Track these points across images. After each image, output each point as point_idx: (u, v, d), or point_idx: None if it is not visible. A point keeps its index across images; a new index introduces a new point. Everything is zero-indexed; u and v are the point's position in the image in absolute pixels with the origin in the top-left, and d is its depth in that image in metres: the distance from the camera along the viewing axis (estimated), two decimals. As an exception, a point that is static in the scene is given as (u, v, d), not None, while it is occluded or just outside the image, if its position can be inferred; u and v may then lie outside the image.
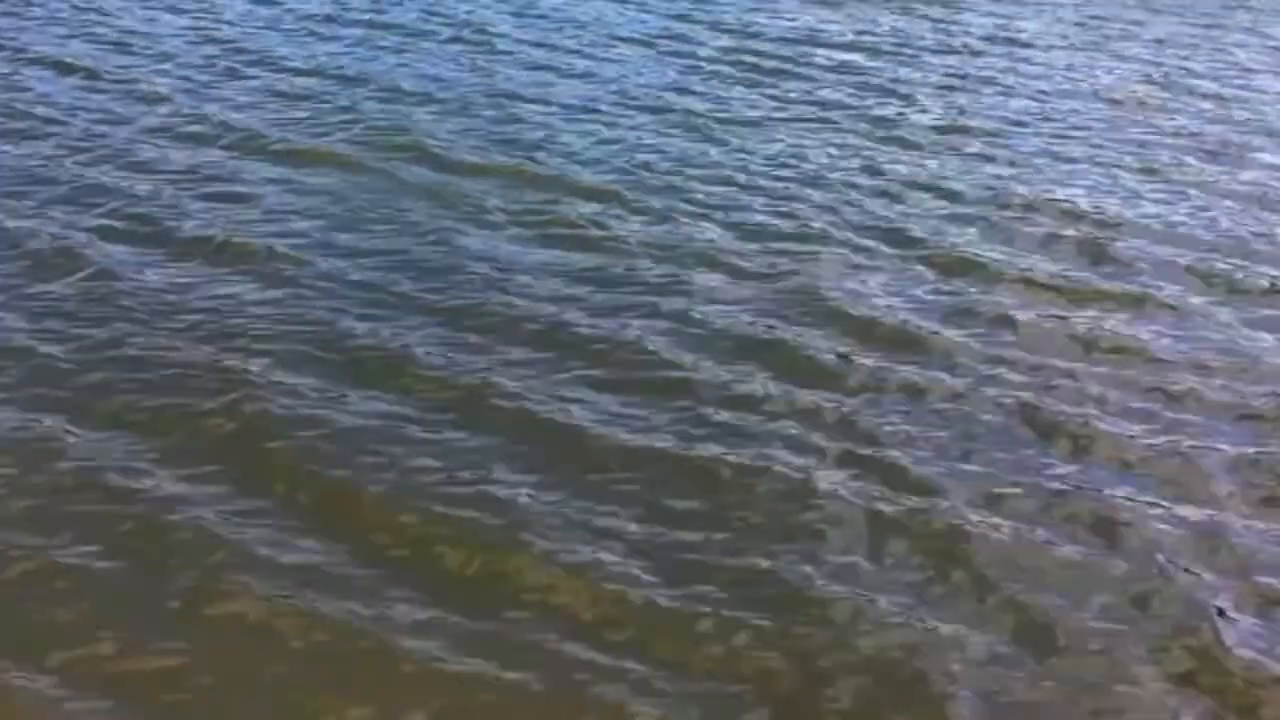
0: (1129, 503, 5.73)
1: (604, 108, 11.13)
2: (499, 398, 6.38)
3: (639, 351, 6.89)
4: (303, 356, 6.69)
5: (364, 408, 6.24)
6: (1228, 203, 9.76)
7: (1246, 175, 10.42)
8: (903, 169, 10.06)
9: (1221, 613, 5.07)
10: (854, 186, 9.62)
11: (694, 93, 11.78)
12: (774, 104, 11.61)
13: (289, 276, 7.57)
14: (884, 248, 8.46)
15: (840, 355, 6.98)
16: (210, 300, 7.26)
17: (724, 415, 6.33)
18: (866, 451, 6.09)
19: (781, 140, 10.61)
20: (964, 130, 11.17)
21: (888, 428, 6.29)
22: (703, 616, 4.94)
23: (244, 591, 5.00)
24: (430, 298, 7.42)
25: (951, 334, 7.32)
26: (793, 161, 10.11)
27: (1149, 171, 10.37)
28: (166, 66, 11.60)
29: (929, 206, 9.30)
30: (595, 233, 8.45)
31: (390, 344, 6.84)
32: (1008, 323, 7.48)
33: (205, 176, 9.02)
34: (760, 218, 8.88)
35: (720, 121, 10.98)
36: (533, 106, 10.98)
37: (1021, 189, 9.73)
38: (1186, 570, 5.31)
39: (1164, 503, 5.74)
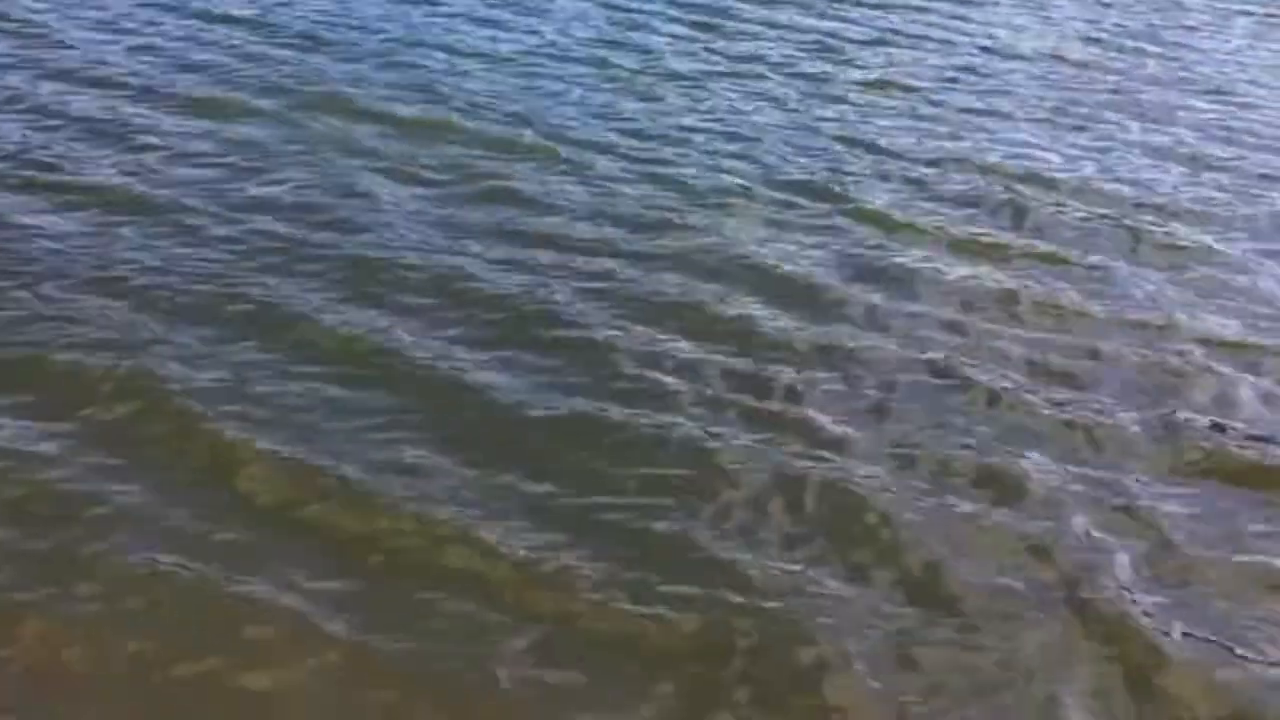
0: (1036, 463, 5.62)
1: (531, 61, 10.84)
2: (399, 355, 6.17)
3: (547, 309, 6.69)
4: (195, 309, 6.44)
5: (256, 361, 6.01)
6: (1160, 162, 9.67)
7: (1180, 135, 10.33)
8: (832, 125, 9.88)
9: (1120, 573, 4.98)
10: (781, 143, 9.43)
11: (624, 47, 11.50)
12: (705, 59, 11.36)
13: (188, 227, 7.29)
14: (807, 204, 8.30)
15: (755, 313, 6.82)
16: (104, 250, 6.97)
17: (632, 373, 6.17)
18: (776, 409, 5.96)
19: (711, 96, 10.39)
20: (896, 86, 10.98)
21: (799, 386, 6.15)
22: (596, 576, 4.79)
23: (120, 549, 4.79)
24: (335, 252, 7.16)
25: (869, 292, 7.17)
26: (720, 117, 9.91)
27: (1080, 130, 10.27)
28: (70, 11, 11.13)
29: (856, 163, 9.13)
30: (512, 187, 8.21)
31: (289, 298, 6.59)
32: (926, 281, 7.35)
33: (106, 124, 8.66)
34: (682, 173, 8.67)
35: (650, 76, 10.74)
36: (457, 59, 10.67)
37: (949, 146, 9.60)
38: (1088, 531, 5.21)
39: (1071, 465, 5.64)
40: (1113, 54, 12.54)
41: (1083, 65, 12.20)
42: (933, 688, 4.42)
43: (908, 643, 4.59)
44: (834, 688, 4.38)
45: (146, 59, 10.00)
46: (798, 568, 4.92)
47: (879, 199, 8.48)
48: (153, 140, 8.43)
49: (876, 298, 7.11)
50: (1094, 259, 7.78)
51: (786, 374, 6.23)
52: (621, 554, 4.93)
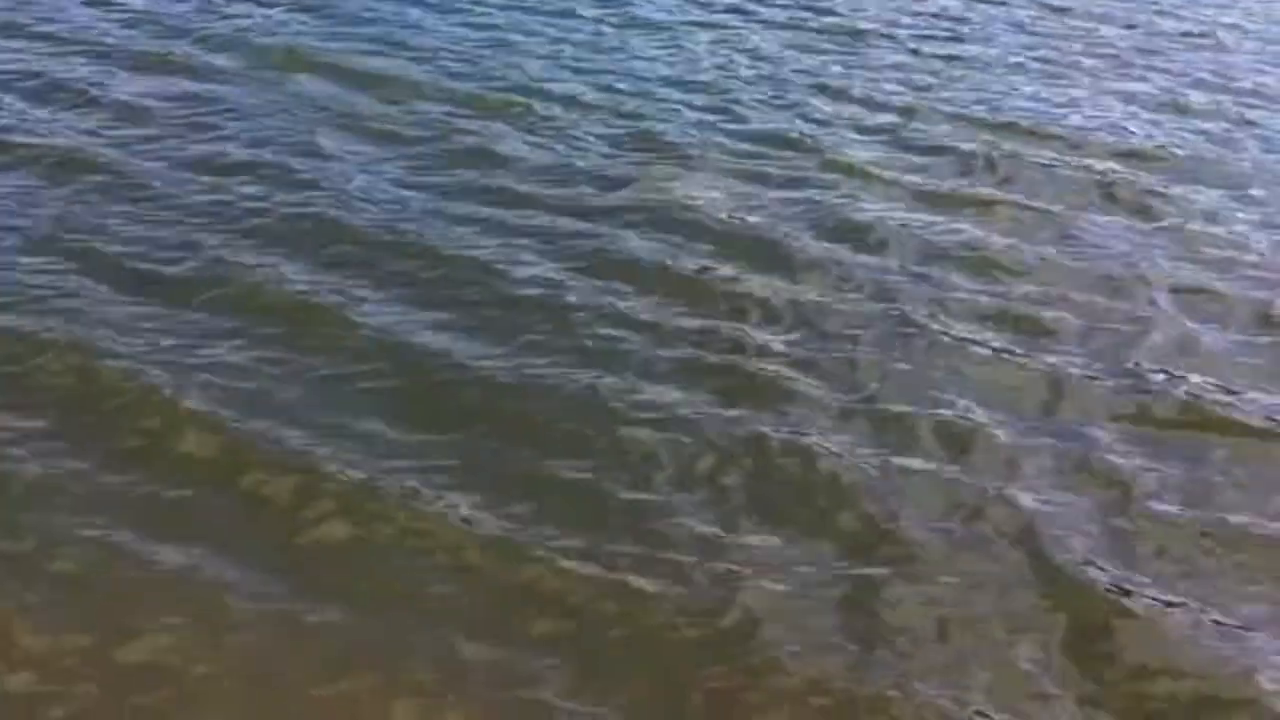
0: (996, 416, 5.49)
1: (497, 11, 10.60)
2: (352, 318, 6.00)
3: (507, 269, 6.51)
4: (139, 272, 6.29)
5: (200, 325, 5.87)
6: (1137, 110, 9.47)
7: (1158, 83, 10.13)
8: (805, 75, 9.67)
9: (1076, 526, 4.88)
10: (753, 93, 9.23)
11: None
12: (677, 8, 11.11)
13: (135, 186, 7.13)
14: (776, 156, 8.12)
15: (718, 269, 6.66)
16: (45, 211, 6.84)
17: (590, 333, 6.02)
18: (736, 366, 5.82)
19: (682, 46, 10.18)
20: (874, 35, 10.76)
21: (760, 342, 6.01)
22: (547, 539, 4.67)
23: (56, 516, 4.69)
24: (288, 211, 6.99)
25: (835, 245, 7.01)
26: (691, 68, 9.71)
27: (1058, 78, 10.07)
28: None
29: (828, 114, 8.92)
30: (474, 143, 8.03)
31: (238, 260, 6.42)
32: (893, 233, 7.18)
33: (54, 81, 8.47)
34: (650, 127, 8.47)
35: (619, 26, 10.51)
36: (420, 11, 10.42)
37: (924, 96, 9.38)
38: (1047, 483, 5.10)
39: (1032, 417, 5.54)
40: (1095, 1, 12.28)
41: (1064, 11, 11.96)
42: (886, 642, 4.32)
43: (861, 597, 4.49)
44: (786, 644, 4.28)
45: (96, 13, 9.77)
46: (752, 524, 4.81)
47: (849, 150, 8.30)
48: (101, 97, 8.25)
49: (842, 251, 6.95)
50: (1062, 208, 7.61)
51: (747, 330, 6.09)
52: (575, 515, 4.81)
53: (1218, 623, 4.49)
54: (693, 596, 4.45)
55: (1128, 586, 4.61)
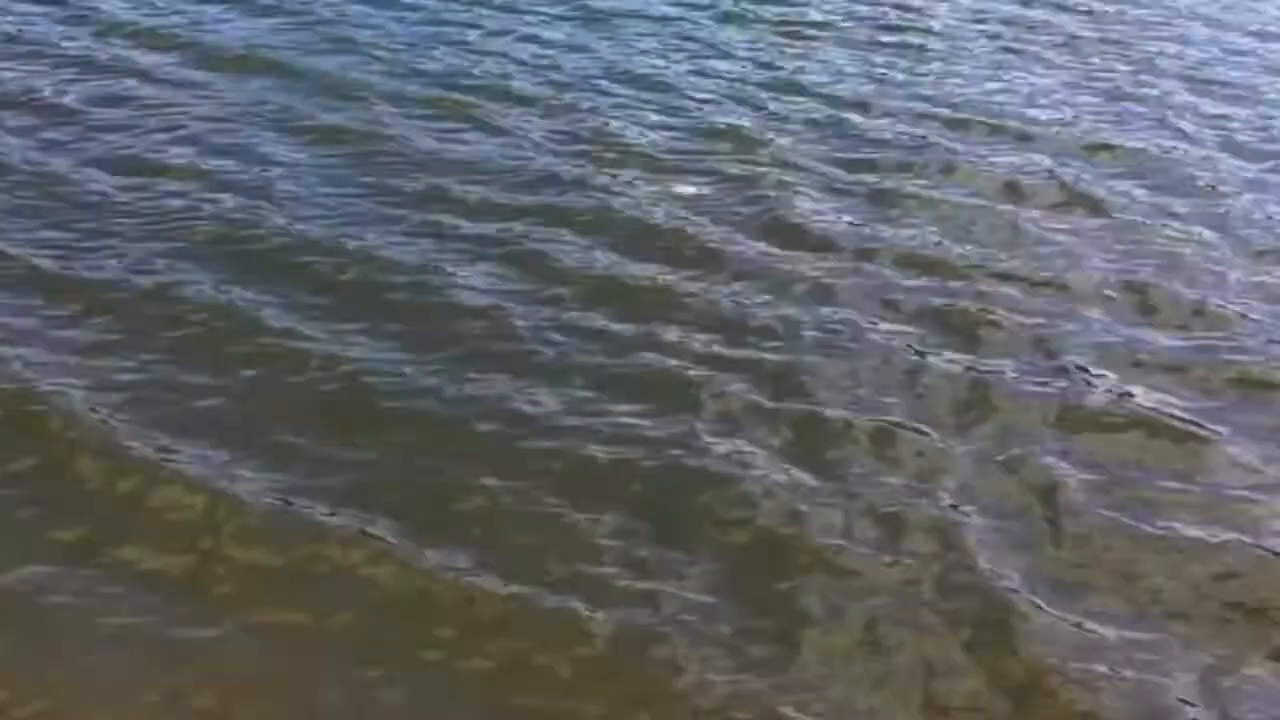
0: (919, 416, 5.44)
1: (438, 6, 10.41)
2: (267, 326, 5.82)
3: (425, 271, 6.36)
4: (41, 280, 6.09)
5: (103, 340, 5.67)
6: (1086, 100, 9.41)
7: (1111, 75, 10.03)
8: (746, 68, 9.58)
9: (991, 524, 4.83)
10: (691, 87, 9.10)
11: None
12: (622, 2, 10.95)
13: (41, 191, 6.92)
14: (711, 150, 7.98)
15: (640, 269, 6.52)
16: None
17: (516, 340, 5.86)
18: (663, 373, 5.67)
19: (627, 41, 10.03)
20: (826, 27, 10.66)
21: (673, 342, 5.87)
22: (450, 555, 4.55)
23: None
24: (206, 214, 6.81)
25: (769, 246, 6.89)
26: (635, 64, 9.55)
27: (1004, 69, 9.99)
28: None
29: (772, 110, 8.79)
30: (409, 144, 7.84)
31: (148, 268, 6.25)
32: (828, 233, 7.07)
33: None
34: (590, 126, 8.31)
35: (563, 21, 10.36)
36: (360, 6, 10.21)
37: (872, 90, 9.31)
38: (951, 487, 5.02)
39: (940, 417, 5.45)
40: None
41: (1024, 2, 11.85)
42: (794, 649, 4.26)
43: (773, 602, 4.43)
44: (693, 652, 4.22)
45: (20, 9, 9.57)
46: (664, 532, 4.72)
47: (792, 146, 8.20)
48: (19, 99, 8.03)
49: (777, 249, 6.85)
50: (1001, 203, 7.54)
51: (676, 332, 5.96)
52: (487, 529, 4.71)
53: (1136, 623, 4.44)
54: (607, 608, 4.35)
55: (1041, 589, 4.54)
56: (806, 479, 4.99)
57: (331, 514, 4.71)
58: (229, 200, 6.97)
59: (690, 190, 7.52)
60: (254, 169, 7.38)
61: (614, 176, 7.57)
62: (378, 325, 5.92)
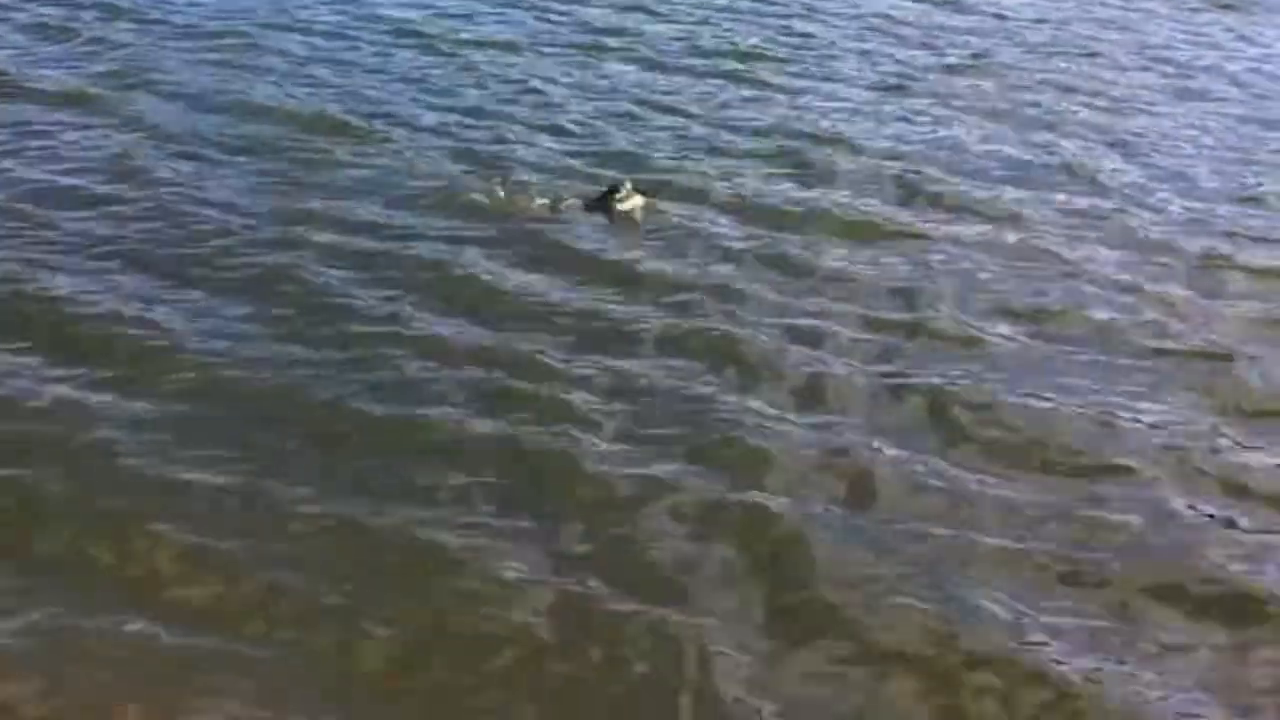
0: (758, 415, 5.61)
1: (344, 30, 10.57)
2: (147, 342, 5.96)
3: (318, 293, 6.49)
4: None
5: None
6: (975, 120, 9.71)
7: (1019, 93, 10.38)
8: (638, 93, 9.75)
9: (819, 531, 4.97)
10: (590, 111, 9.31)
11: (444, 13, 11.24)
12: (530, 26, 11.16)
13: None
14: (595, 172, 8.15)
15: (535, 291, 6.68)
16: None
17: (397, 360, 5.96)
18: (527, 388, 5.80)
19: (530, 63, 10.25)
20: (721, 55, 10.85)
21: (558, 364, 6.00)
22: (286, 576, 4.61)
23: None
24: (96, 234, 6.95)
25: (648, 261, 7.11)
26: (535, 86, 9.74)
27: (899, 90, 10.29)
28: None
29: (660, 130, 9.02)
30: (300, 164, 8.02)
31: (33, 282, 6.38)
32: (709, 245, 7.32)
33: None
34: (486, 148, 8.50)
35: (466, 45, 10.54)
36: (265, 29, 10.34)
37: (762, 111, 9.55)
38: (789, 491, 5.17)
39: (787, 422, 5.61)
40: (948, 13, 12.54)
41: (905, 24, 12.19)
42: (608, 650, 4.37)
43: (585, 608, 4.53)
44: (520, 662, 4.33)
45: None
46: (510, 536, 4.85)
47: (678, 166, 8.41)
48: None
49: (656, 265, 7.05)
50: (893, 222, 7.80)
51: (547, 352, 6.10)
52: (354, 548, 4.78)
53: (944, 617, 4.57)
54: (447, 618, 4.48)
55: (864, 587, 4.68)
56: (643, 482, 5.14)
57: (182, 525, 4.78)
58: (127, 225, 7.09)
59: (573, 202, 7.72)
60: (149, 192, 7.47)
61: (500, 196, 7.74)
62: (270, 343, 6.03)
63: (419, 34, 10.61)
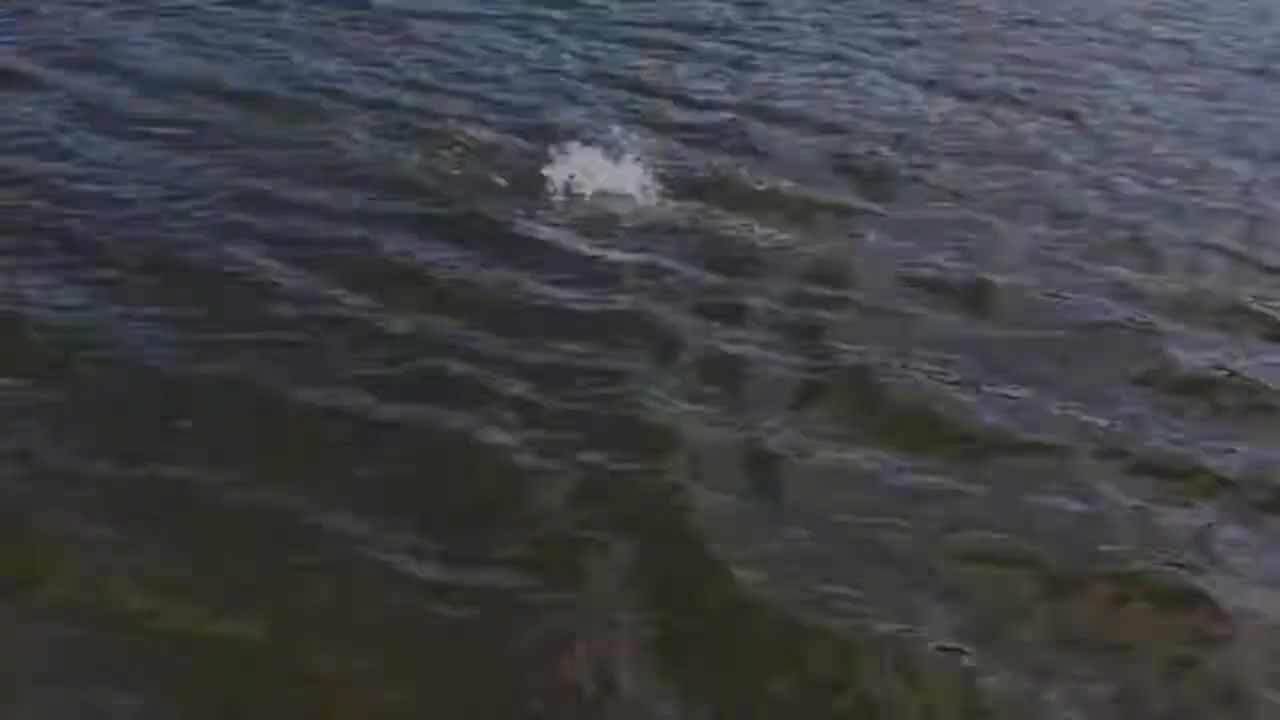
0: (668, 405, 5.47)
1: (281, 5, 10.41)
2: (77, 332, 5.74)
3: (255, 280, 6.28)
4: None
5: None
6: (927, 97, 9.64)
7: (972, 69, 10.31)
8: (591, 67, 9.66)
9: (722, 524, 4.83)
10: (534, 87, 9.18)
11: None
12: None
13: None
14: (542, 150, 7.95)
15: (458, 273, 6.52)
16: None
17: (338, 349, 5.78)
18: (448, 373, 5.62)
19: (473, 37, 10.08)
20: (667, 26, 10.77)
21: (480, 349, 5.82)
22: (195, 575, 4.44)
23: None
24: (20, 219, 6.74)
25: (582, 240, 6.98)
26: (474, 61, 9.61)
27: (838, 62, 10.19)
28: None
29: (604, 106, 8.88)
30: (232, 143, 7.85)
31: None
32: (618, 220, 7.22)
33: None
34: (423, 124, 8.31)
35: (413, 18, 10.40)
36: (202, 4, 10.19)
37: (705, 85, 9.45)
38: (704, 481, 5.02)
39: (704, 412, 5.48)
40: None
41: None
42: (523, 639, 4.26)
43: (476, 589, 4.41)
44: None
45: None
46: (414, 524, 4.71)
47: (617, 143, 8.21)
48: None
49: (583, 243, 6.92)
50: (812, 191, 7.72)
51: (462, 331, 5.94)
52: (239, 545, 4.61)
53: (844, 611, 4.45)
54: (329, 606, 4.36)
55: (767, 576, 4.56)
56: (556, 472, 5.01)
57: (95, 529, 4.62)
58: (52, 206, 6.87)
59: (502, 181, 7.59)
60: (65, 169, 7.29)
61: (431, 175, 7.59)
62: (182, 331, 5.82)
63: (359, 4, 10.44)
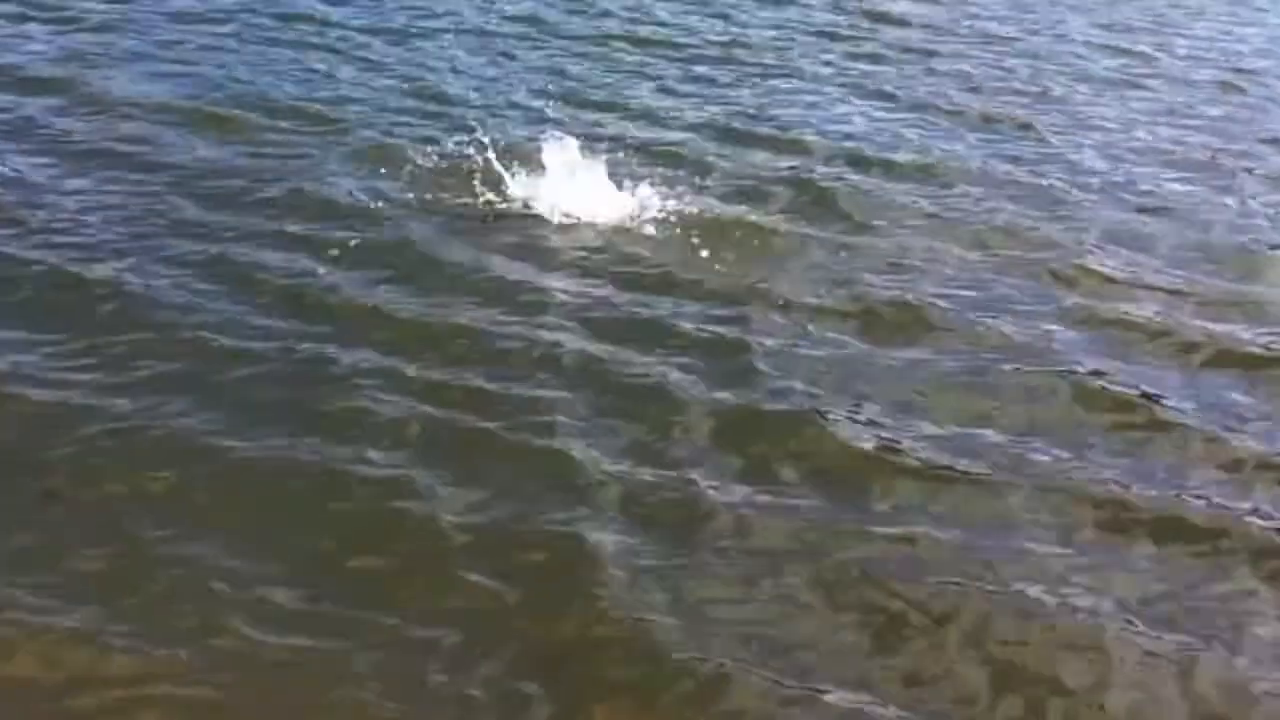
0: (570, 434, 5.35)
1: (234, 19, 10.25)
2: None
3: (165, 305, 6.14)
4: None
5: None
6: (887, 112, 9.54)
7: (926, 87, 10.21)
8: (552, 81, 9.56)
9: (611, 550, 4.71)
10: (502, 102, 9.09)
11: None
12: (432, 11, 10.89)
13: None
14: (492, 168, 7.80)
15: (359, 286, 6.42)
16: None
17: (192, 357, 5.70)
18: (359, 395, 5.50)
19: (427, 53, 9.97)
20: (632, 41, 10.67)
21: (398, 370, 5.70)
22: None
23: None
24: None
25: (516, 262, 6.86)
26: (429, 76, 9.50)
27: (807, 79, 10.09)
28: None
29: (564, 120, 8.69)
30: (154, 157, 7.70)
31: None
32: (541, 238, 7.16)
33: None
34: (375, 138, 8.23)
35: (361, 32, 10.25)
36: (153, 17, 10.03)
37: (668, 103, 9.34)
38: (602, 510, 4.92)
39: (612, 436, 5.38)
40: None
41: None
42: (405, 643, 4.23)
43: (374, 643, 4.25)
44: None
45: None
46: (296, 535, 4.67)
47: (561, 156, 8.07)
48: None
49: (518, 271, 6.77)
50: (747, 215, 7.58)
51: (385, 364, 5.76)
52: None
53: (763, 659, 4.32)
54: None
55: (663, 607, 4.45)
56: (449, 500, 4.90)
57: None
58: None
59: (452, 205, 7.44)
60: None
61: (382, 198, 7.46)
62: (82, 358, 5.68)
63: (309, 19, 10.29)
